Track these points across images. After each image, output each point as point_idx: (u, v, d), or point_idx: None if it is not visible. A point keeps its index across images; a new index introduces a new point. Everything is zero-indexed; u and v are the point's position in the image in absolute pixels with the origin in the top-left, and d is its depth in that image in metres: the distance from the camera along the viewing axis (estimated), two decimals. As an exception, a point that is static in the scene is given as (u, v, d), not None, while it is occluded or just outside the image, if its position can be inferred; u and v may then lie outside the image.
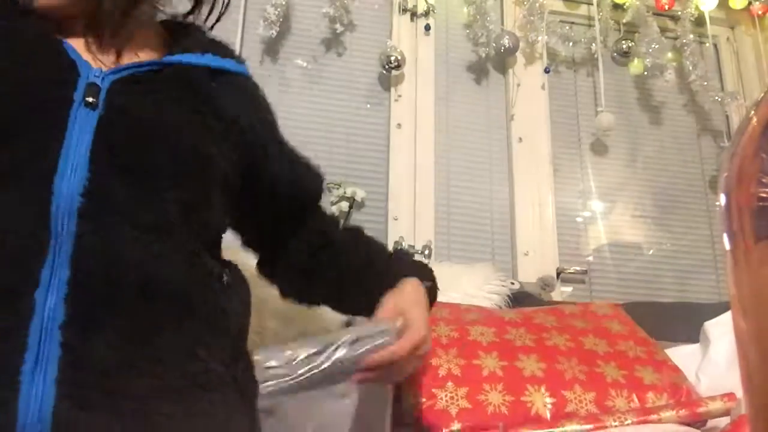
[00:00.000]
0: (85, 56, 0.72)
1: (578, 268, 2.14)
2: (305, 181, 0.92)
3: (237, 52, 0.89)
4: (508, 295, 1.65)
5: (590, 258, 2.21)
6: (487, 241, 2.14)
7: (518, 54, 2.29)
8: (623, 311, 1.43)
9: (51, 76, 0.68)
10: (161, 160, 0.68)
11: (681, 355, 1.33)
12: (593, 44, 2.31)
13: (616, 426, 1.03)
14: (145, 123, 0.69)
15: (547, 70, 2.31)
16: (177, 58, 0.77)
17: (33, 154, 0.62)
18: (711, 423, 1.10)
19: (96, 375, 0.56)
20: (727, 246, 0.31)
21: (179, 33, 0.84)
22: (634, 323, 1.38)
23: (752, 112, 0.31)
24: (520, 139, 2.24)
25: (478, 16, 2.23)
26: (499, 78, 2.34)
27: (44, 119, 0.64)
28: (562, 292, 2.10)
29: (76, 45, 0.73)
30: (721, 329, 1.31)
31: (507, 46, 2.21)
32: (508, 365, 1.16)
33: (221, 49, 0.84)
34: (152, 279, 0.61)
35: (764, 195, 0.28)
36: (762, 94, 0.31)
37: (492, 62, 2.33)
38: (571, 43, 2.33)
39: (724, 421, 1.06)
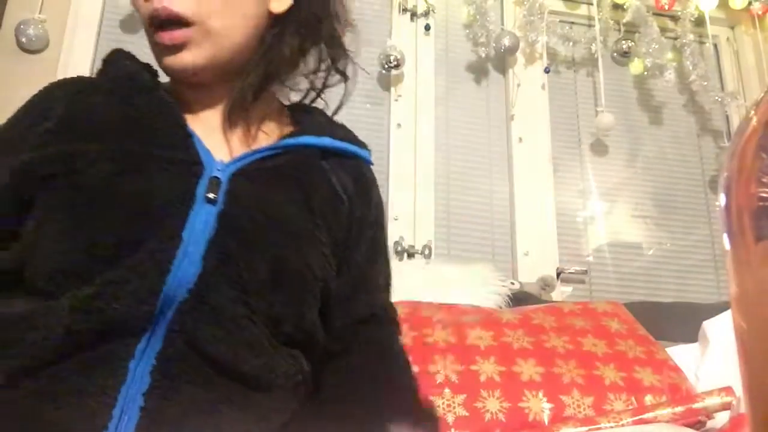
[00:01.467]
0: (209, 144, 0.74)
1: (578, 268, 2.14)
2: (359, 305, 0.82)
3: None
4: (508, 295, 1.65)
5: (590, 258, 2.21)
6: (487, 241, 2.14)
7: (518, 54, 2.29)
8: (624, 308, 1.42)
9: (178, 172, 0.70)
10: (263, 271, 0.70)
11: (679, 354, 1.33)
12: (593, 44, 2.31)
13: (611, 426, 1.03)
14: (256, 226, 0.71)
15: (547, 70, 2.31)
16: (294, 141, 0.78)
17: (156, 245, 0.66)
18: (710, 424, 1.09)
19: None
20: (727, 246, 0.31)
21: (300, 114, 0.86)
22: (634, 320, 1.37)
23: (752, 112, 0.31)
24: (520, 139, 2.24)
25: (478, 16, 2.23)
26: (499, 78, 2.34)
27: (169, 214, 0.68)
28: (562, 292, 2.10)
29: (201, 132, 0.75)
30: (719, 328, 1.31)
31: (507, 46, 2.21)
32: (506, 370, 1.15)
33: (341, 131, 0.86)
34: (228, 367, 0.66)
35: (764, 195, 0.28)
36: (762, 94, 0.31)
37: (492, 62, 2.33)
38: (571, 43, 2.34)
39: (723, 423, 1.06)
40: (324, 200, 0.78)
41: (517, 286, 1.74)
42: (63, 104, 0.74)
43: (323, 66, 0.89)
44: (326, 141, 0.82)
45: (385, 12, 2.30)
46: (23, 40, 1.97)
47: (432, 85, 2.25)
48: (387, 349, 0.82)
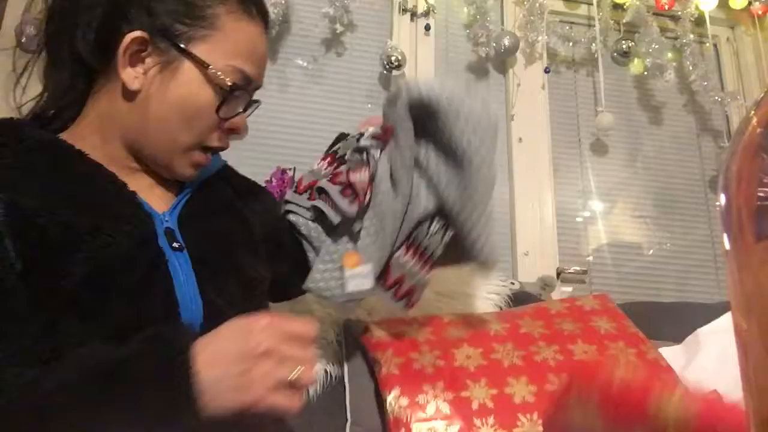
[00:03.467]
0: (150, 201, 0.82)
1: (578, 268, 2.14)
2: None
3: None
4: (508, 295, 1.65)
5: (590, 258, 2.21)
6: (487, 241, 2.14)
7: (518, 54, 2.29)
8: (611, 303, 1.39)
9: (138, 235, 0.77)
10: (234, 285, 0.83)
11: (665, 355, 1.33)
12: (593, 44, 2.31)
13: None
14: (217, 250, 0.83)
15: (547, 70, 2.31)
16: (204, 175, 0.90)
17: (156, 304, 0.74)
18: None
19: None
20: (727, 246, 0.31)
21: None
22: (623, 317, 1.34)
23: (752, 112, 0.31)
24: (520, 139, 2.24)
25: (478, 16, 2.23)
26: (499, 78, 2.34)
27: (150, 272, 0.75)
28: (562, 292, 2.10)
29: (141, 191, 0.82)
30: (712, 335, 1.30)
31: (507, 46, 2.21)
32: (497, 393, 1.11)
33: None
34: None
35: (764, 195, 0.28)
36: (762, 94, 0.31)
37: (492, 62, 2.33)
38: (571, 43, 2.34)
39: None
40: (248, 209, 0.93)
41: (517, 286, 1.74)
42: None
43: None
44: (218, 163, 0.96)
45: (385, 12, 2.30)
46: (23, 40, 1.97)
47: (432, 85, 2.25)
48: None
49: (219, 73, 0.80)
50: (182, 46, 0.80)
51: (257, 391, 0.62)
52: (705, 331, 1.34)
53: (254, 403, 0.63)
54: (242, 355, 0.63)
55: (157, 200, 0.84)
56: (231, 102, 0.81)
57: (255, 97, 0.89)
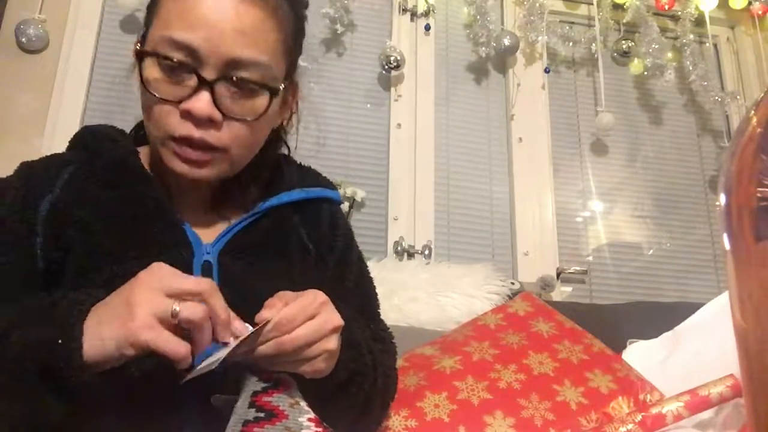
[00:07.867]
0: (200, 229, 0.80)
1: (578, 268, 2.14)
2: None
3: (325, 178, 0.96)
4: (508, 295, 1.65)
5: (590, 258, 2.21)
6: (487, 241, 2.14)
7: (518, 54, 2.29)
8: (538, 300, 1.36)
9: (171, 262, 0.70)
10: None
11: (642, 349, 1.32)
12: (593, 44, 2.31)
13: None
14: (251, 294, 0.74)
15: (547, 70, 2.31)
16: (268, 204, 0.84)
17: None
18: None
19: None
20: (727, 246, 0.31)
21: (273, 171, 0.89)
22: (554, 312, 1.30)
23: (752, 112, 0.31)
24: (520, 139, 2.24)
25: (478, 16, 2.23)
26: (499, 78, 2.35)
27: None
28: (562, 292, 2.10)
29: (193, 217, 0.81)
30: (691, 330, 1.30)
31: (507, 46, 2.21)
32: None
33: (310, 178, 0.92)
34: None
35: (764, 195, 0.28)
36: (762, 94, 0.31)
37: (492, 62, 2.33)
38: (571, 43, 2.34)
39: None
40: (300, 261, 0.84)
41: (517, 286, 1.74)
42: (53, 196, 0.76)
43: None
44: (298, 195, 0.88)
45: (385, 12, 2.30)
46: (23, 40, 1.97)
47: (432, 85, 2.25)
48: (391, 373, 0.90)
49: (138, 45, 0.74)
50: (143, 34, 0.77)
51: (139, 317, 0.60)
52: (683, 327, 1.34)
53: (136, 331, 0.59)
54: (121, 290, 0.63)
55: (210, 229, 0.82)
56: (149, 70, 0.72)
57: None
